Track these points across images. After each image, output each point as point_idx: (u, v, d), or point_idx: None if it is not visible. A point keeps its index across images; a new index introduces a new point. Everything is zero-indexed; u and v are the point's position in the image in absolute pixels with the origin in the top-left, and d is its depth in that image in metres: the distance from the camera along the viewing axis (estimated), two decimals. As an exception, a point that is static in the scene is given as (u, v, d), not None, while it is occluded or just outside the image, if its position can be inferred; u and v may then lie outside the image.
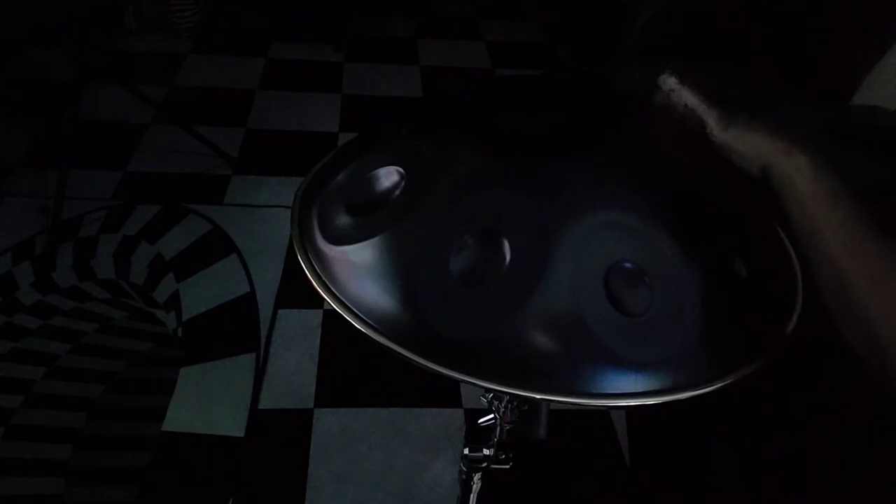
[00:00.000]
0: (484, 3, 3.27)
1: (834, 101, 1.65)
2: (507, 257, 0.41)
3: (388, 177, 0.48)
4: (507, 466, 0.64)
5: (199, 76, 2.47)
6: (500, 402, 0.60)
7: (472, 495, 0.67)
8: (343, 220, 0.48)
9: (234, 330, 1.50)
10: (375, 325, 0.42)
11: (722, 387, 0.41)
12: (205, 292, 1.58)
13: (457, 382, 0.43)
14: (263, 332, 1.50)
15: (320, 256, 0.47)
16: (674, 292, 0.42)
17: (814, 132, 1.40)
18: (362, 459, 1.28)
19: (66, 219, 1.69)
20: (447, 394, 1.41)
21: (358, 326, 0.42)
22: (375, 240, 0.44)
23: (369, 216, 0.46)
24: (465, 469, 0.66)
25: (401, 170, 0.47)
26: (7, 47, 2.34)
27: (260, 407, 1.35)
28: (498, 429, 0.62)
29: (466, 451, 0.65)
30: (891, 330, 0.37)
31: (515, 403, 0.60)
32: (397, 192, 0.47)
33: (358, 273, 0.44)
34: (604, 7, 2.50)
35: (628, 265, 0.41)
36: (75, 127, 1.70)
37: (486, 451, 0.63)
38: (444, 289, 0.41)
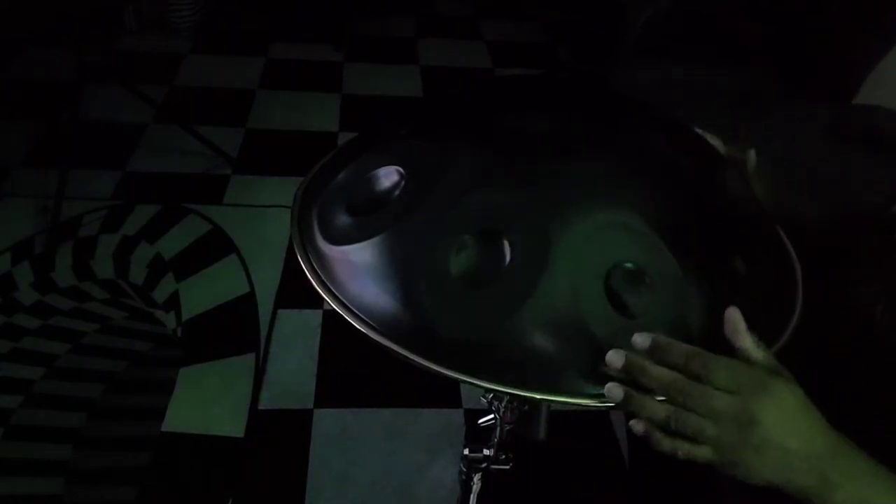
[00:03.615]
0: (484, 3, 3.27)
1: (834, 101, 1.65)
2: (508, 257, 0.41)
3: (388, 177, 0.48)
4: (507, 467, 0.64)
5: (199, 76, 2.47)
6: (500, 403, 0.60)
7: (472, 496, 0.66)
8: (343, 220, 0.48)
9: (234, 330, 1.50)
10: (375, 325, 0.42)
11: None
12: (204, 292, 1.58)
13: (457, 382, 0.43)
14: (263, 332, 1.50)
15: (320, 256, 0.47)
16: (674, 293, 0.41)
17: (813, 135, 1.40)
18: (362, 459, 1.28)
19: (65, 219, 1.69)
20: (447, 394, 1.41)
21: (358, 326, 0.42)
22: (375, 240, 0.44)
23: (369, 216, 0.46)
24: (465, 469, 0.66)
25: (401, 170, 0.47)
26: (7, 47, 2.34)
27: (260, 407, 1.35)
28: (498, 429, 0.61)
29: (466, 451, 0.64)
30: None
31: (515, 404, 0.60)
32: (397, 192, 0.46)
33: (358, 273, 0.44)
34: (604, 7, 2.50)
35: (629, 266, 0.41)
36: (75, 127, 1.70)
37: (486, 452, 0.63)
38: (443, 289, 0.41)
